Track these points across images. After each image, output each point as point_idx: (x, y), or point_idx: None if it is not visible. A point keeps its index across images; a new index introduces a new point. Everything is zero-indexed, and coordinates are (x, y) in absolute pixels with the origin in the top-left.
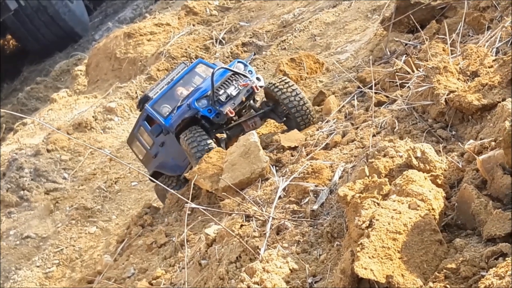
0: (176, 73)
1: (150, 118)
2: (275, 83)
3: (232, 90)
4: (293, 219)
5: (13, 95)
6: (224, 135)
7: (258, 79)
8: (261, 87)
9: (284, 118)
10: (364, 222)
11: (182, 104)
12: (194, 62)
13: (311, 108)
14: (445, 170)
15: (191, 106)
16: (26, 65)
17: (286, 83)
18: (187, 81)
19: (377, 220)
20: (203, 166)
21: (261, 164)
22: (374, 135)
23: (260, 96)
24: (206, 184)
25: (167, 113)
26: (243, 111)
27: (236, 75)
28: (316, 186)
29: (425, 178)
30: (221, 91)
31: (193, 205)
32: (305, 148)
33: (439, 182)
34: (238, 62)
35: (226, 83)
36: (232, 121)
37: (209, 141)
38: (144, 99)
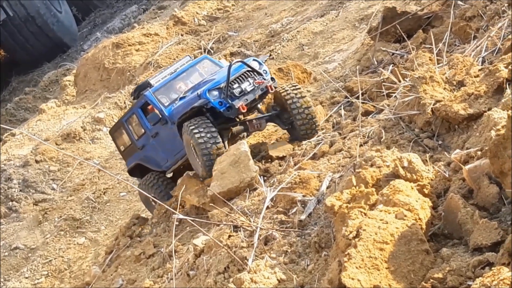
0: (180, 65)
1: (145, 107)
2: (286, 88)
3: (246, 86)
4: (281, 229)
5: (1, 106)
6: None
7: (272, 79)
8: (275, 88)
9: (289, 126)
10: (351, 232)
11: (185, 96)
12: (200, 58)
13: (316, 119)
14: (431, 180)
15: (201, 96)
16: (15, 76)
17: (297, 89)
18: (187, 76)
19: (364, 230)
20: (187, 181)
21: (250, 174)
22: (361, 145)
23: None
24: (193, 199)
25: (167, 103)
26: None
27: (251, 72)
28: (303, 196)
29: (412, 188)
30: (235, 85)
31: (181, 216)
32: (293, 158)
33: (426, 191)
34: (254, 60)
35: (241, 78)
36: (237, 119)
37: (218, 138)
38: (142, 87)
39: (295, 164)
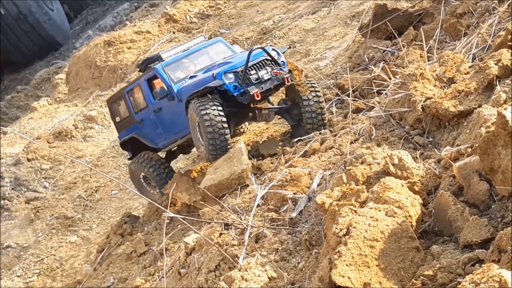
0: (194, 44)
1: (152, 80)
2: (303, 85)
3: (263, 74)
4: (272, 227)
5: None
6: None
7: (289, 72)
8: (292, 81)
9: (296, 123)
10: (341, 229)
11: (196, 75)
12: (214, 39)
13: (325, 121)
14: (422, 177)
15: (217, 77)
16: (6, 74)
17: (313, 88)
18: (197, 56)
19: (354, 227)
20: (178, 179)
21: (242, 167)
22: (352, 142)
23: None
24: (184, 197)
25: (176, 80)
26: None
27: (270, 61)
28: (294, 193)
29: (402, 185)
30: (252, 72)
31: (172, 214)
32: (283, 155)
33: (416, 189)
34: (273, 49)
35: (259, 65)
36: (248, 105)
37: (224, 118)
38: (151, 60)
39: (286, 162)
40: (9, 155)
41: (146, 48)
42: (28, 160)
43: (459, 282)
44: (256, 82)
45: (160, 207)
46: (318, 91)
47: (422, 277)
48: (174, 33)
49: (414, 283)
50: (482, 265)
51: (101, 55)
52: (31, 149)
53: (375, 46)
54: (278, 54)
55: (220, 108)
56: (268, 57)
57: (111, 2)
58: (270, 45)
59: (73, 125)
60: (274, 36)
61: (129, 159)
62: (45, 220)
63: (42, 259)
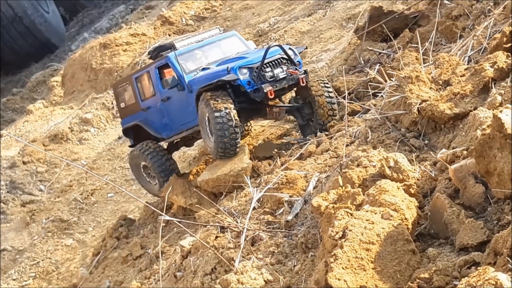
0: (208, 36)
1: (163, 68)
2: (317, 86)
3: (279, 72)
4: (268, 230)
5: None
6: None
7: (305, 72)
8: (307, 82)
9: (306, 122)
10: (337, 232)
11: (208, 67)
12: (229, 33)
13: (336, 117)
14: (418, 180)
15: (231, 71)
16: (2, 76)
17: (327, 89)
18: (210, 48)
19: (350, 230)
20: (173, 182)
21: (242, 165)
22: (348, 145)
23: None
24: (180, 200)
25: (188, 70)
26: None
27: (286, 60)
28: (290, 196)
29: (398, 188)
30: (268, 69)
31: (167, 217)
32: (279, 158)
33: (412, 191)
34: (289, 48)
35: (274, 63)
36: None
37: (236, 116)
38: (164, 48)
39: (282, 164)
40: (5, 158)
41: (142, 50)
42: (24, 163)
43: (455, 285)
44: (270, 80)
45: (156, 210)
46: (331, 91)
47: (418, 280)
48: (170, 35)
49: (410, 286)
50: (478, 268)
51: (97, 58)
52: (26, 152)
53: (370, 48)
54: (295, 53)
55: (231, 105)
56: (285, 56)
57: (107, 4)
58: (287, 44)
59: (69, 128)
60: (270, 38)
61: (130, 146)
62: (40, 223)
63: (37, 262)
